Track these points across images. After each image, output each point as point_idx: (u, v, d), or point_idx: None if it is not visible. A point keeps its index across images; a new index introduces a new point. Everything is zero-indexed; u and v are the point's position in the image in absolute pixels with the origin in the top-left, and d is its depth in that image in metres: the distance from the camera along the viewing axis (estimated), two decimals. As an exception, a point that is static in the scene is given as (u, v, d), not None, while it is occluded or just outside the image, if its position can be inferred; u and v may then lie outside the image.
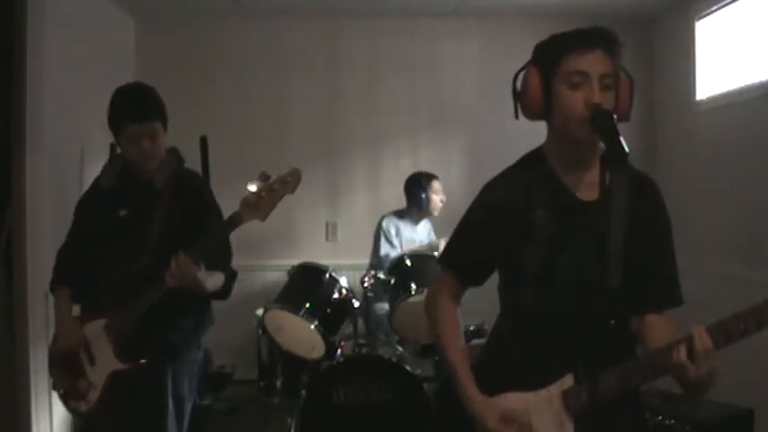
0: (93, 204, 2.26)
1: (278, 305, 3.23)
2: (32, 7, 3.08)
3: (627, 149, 1.24)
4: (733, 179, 3.64)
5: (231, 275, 2.22)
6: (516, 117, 1.54)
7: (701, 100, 4.06)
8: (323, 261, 3.54)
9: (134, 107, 2.08)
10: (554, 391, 1.44)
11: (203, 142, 3.64)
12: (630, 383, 1.35)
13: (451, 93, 4.72)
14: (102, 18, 4.08)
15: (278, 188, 1.94)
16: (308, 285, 3.32)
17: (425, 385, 2.99)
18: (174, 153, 2.25)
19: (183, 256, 1.93)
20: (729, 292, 3.36)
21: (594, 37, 1.42)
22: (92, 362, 2.11)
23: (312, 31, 4.67)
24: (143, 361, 2.08)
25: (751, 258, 3.43)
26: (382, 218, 3.94)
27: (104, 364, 2.08)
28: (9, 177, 3.07)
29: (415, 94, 4.72)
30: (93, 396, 2.10)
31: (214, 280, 2.11)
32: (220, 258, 2.16)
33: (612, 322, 1.27)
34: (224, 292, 2.20)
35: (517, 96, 1.52)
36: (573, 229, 1.47)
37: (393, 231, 3.87)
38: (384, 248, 3.81)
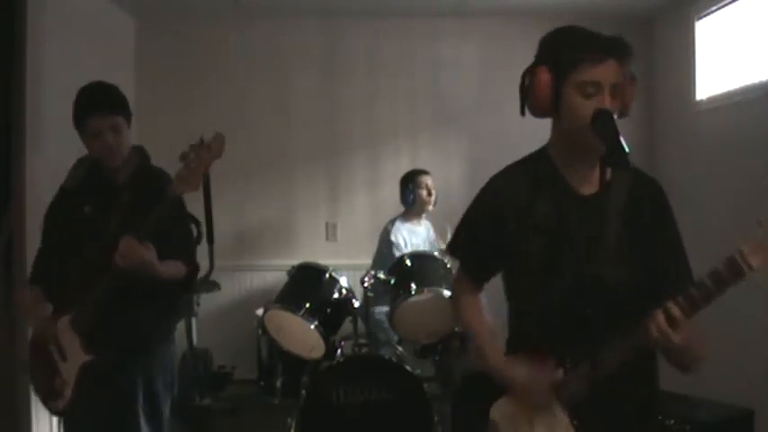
0: (60, 207, 2.29)
1: (278, 305, 3.23)
2: (32, 7, 3.08)
3: (627, 149, 1.25)
4: (733, 179, 3.64)
5: (193, 267, 2.23)
6: (522, 114, 1.53)
7: (701, 100, 4.06)
8: (323, 261, 3.53)
9: (96, 101, 2.12)
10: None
11: (203, 142, 3.63)
12: (624, 354, 1.35)
13: (451, 93, 4.72)
14: (102, 18, 4.08)
15: (204, 155, 1.98)
16: (307, 285, 3.31)
17: (425, 385, 2.99)
18: (138, 150, 2.27)
19: (128, 237, 1.97)
20: (728, 292, 3.37)
21: (610, 47, 1.43)
22: (63, 358, 2.13)
23: (312, 31, 4.66)
24: (109, 350, 2.08)
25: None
26: (388, 227, 3.83)
27: (74, 357, 2.10)
28: (9, 178, 3.07)
29: (415, 94, 4.72)
30: (68, 392, 2.11)
31: (171, 267, 2.12)
32: (180, 247, 2.19)
33: (618, 317, 1.27)
34: (186, 282, 2.21)
35: (524, 93, 1.51)
36: (574, 223, 1.48)
37: (402, 242, 3.76)
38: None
